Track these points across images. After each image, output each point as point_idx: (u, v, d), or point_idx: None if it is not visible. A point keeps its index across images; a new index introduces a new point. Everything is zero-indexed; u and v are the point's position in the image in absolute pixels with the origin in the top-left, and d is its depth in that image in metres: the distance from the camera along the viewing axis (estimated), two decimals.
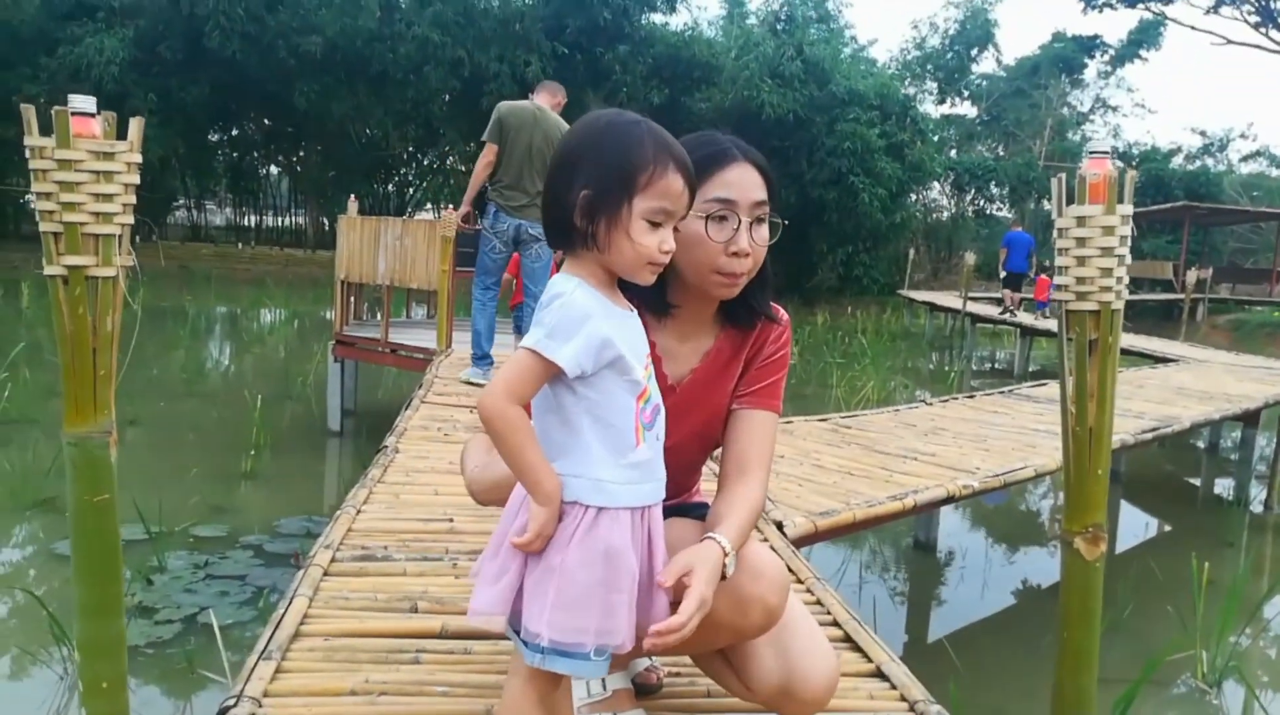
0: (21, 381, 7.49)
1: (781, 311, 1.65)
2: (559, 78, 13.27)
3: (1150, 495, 7.76)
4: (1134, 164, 32.02)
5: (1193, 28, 34.88)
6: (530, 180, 5.03)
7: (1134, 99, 54.57)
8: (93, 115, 1.43)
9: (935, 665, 3.77)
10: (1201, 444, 9.17)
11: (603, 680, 1.69)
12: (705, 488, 1.85)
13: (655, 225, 1.27)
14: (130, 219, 1.50)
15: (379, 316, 7.96)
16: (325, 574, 2.31)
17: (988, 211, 33.23)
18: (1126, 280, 1.83)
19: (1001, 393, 6.93)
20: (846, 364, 11.81)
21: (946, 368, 14.93)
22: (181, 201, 29.48)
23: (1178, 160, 35.47)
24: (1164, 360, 10.05)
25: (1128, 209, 1.77)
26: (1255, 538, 6.43)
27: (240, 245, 27.61)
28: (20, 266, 19.20)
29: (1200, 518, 7.15)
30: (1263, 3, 29.62)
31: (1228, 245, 33.39)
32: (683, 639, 1.29)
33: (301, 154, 28.07)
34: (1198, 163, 36.08)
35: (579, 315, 1.24)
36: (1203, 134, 38.62)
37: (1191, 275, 20.08)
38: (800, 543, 3.18)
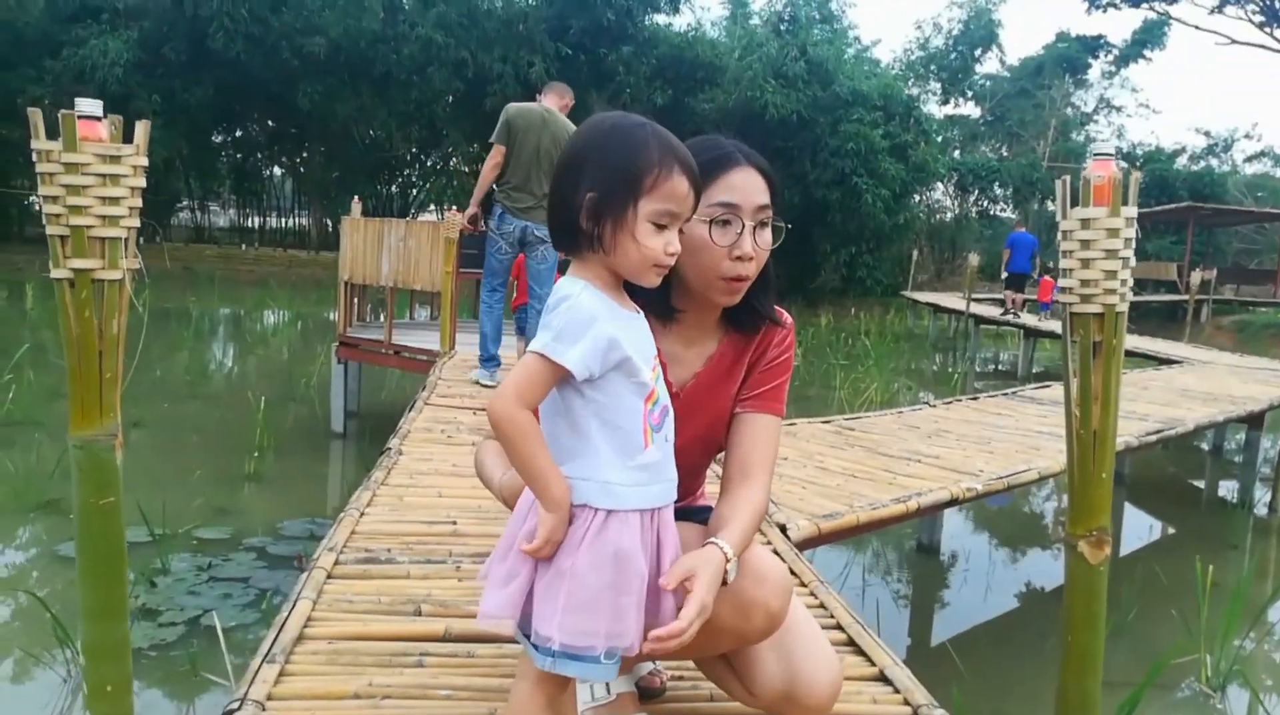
0: (26, 383, 7.51)
1: (785, 314, 1.65)
2: (562, 78, 13.25)
3: (1154, 497, 7.74)
4: (1138, 164, 31.97)
5: (1197, 27, 34.75)
6: (537, 182, 5.04)
7: (1138, 99, 54.67)
8: (99, 119, 1.44)
9: (939, 669, 3.77)
10: (1206, 446, 9.15)
11: (606, 684, 1.69)
12: (709, 491, 1.85)
13: (660, 227, 1.27)
14: (136, 222, 1.50)
15: (382, 318, 7.97)
16: (329, 576, 2.31)
17: (991, 212, 33.17)
18: (1131, 283, 1.82)
19: (1005, 395, 6.92)
20: (850, 365, 11.80)
21: (950, 369, 14.91)
22: (185, 203, 29.53)
23: (1182, 161, 35.40)
24: (1168, 362, 10.03)
25: (1132, 212, 1.77)
26: (1259, 540, 6.41)
27: (244, 246, 27.64)
28: (24, 268, 19.23)
29: (1204, 520, 7.14)
30: (1267, 2, 29.56)
31: (1232, 246, 33.28)
32: (683, 644, 1.29)
33: (305, 155, 28.09)
34: (1202, 163, 36.00)
35: (586, 317, 1.24)
36: (1207, 134, 38.54)
37: (1196, 276, 20.02)
38: (803, 545, 3.18)
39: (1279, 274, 26.11)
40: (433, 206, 29.08)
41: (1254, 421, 7.35)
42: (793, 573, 2.59)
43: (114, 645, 1.61)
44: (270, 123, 27.32)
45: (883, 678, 1.97)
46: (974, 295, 17.15)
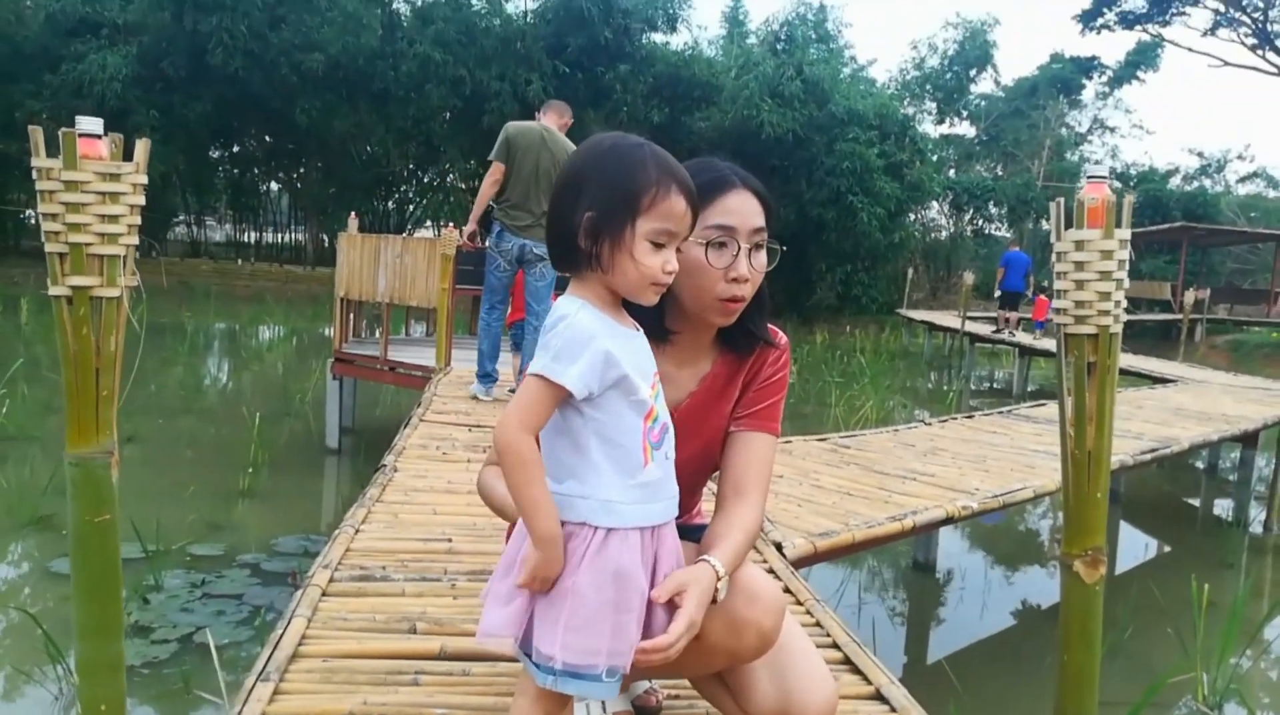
0: (20, 398, 7.49)
1: (780, 334, 1.66)
2: (560, 96, 13.30)
3: (1149, 516, 7.74)
4: (1132, 185, 32.18)
5: (1190, 50, 35.03)
6: (536, 200, 5.07)
7: (1132, 120, 54.98)
8: (99, 137, 1.44)
9: (935, 687, 3.76)
10: (1200, 465, 9.17)
11: (603, 702, 1.68)
12: (706, 508, 1.85)
13: (658, 246, 1.28)
14: (135, 240, 1.51)
15: (378, 334, 7.96)
16: (324, 594, 2.31)
17: (986, 231, 33.29)
18: (1125, 303, 1.83)
19: (1000, 413, 6.93)
20: (845, 383, 11.81)
21: (945, 387, 14.93)
22: (181, 217, 29.53)
23: (1175, 181, 35.60)
24: (1162, 381, 10.05)
25: (1126, 233, 1.78)
26: (1255, 559, 6.42)
27: (240, 262, 27.64)
28: (20, 282, 19.21)
29: (1200, 539, 7.14)
30: (1259, 25, 29.83)
31: (1226, 266, 33.43)
32: (668, 659, 1.30)
33: (302, 171, 28.15)
34: (1195, 183, 36.21)
35: (584, 337, 1.25)
36: (1200, 155, 38.73)
37: (1189, 296, 20.10)
38: (799, 564, 3.18)
39: (1272, 294, 26.20)
40: (429, 223, 29.13)
41: (1248, 440, 7.37)
42: (789, 591, 2.59)
43: (108, 663, 1.60)
44: (268, 138, 27.40)
45: (879, 696, 1.96)
46: (969, 313, 17.19)
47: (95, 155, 1.43)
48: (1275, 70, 30.47)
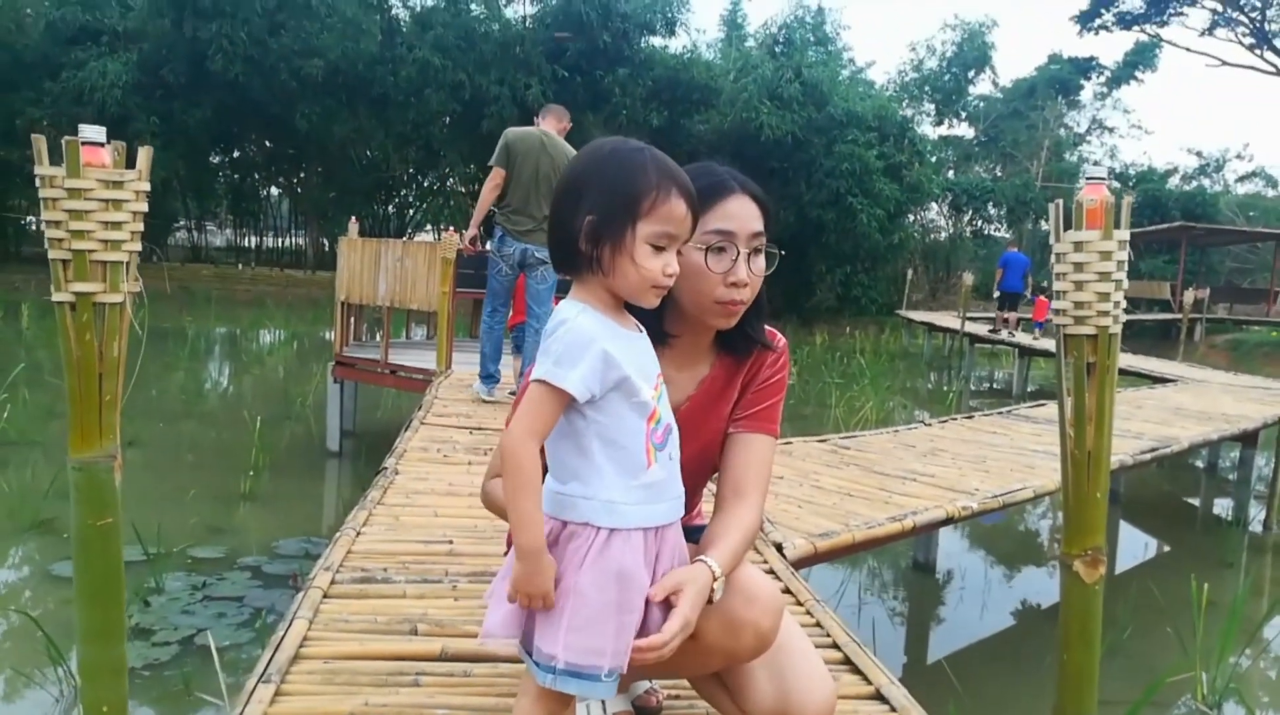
0: (21, 402, 7.50)
1: (779, 336, 1.67)
2: (559, 100, 13.28)
3: (1149, 516, 7.75)
4: (1131, 185, 32.20)
5: (1188, 50, 35.17)
6: (536, 205, 5.12)
7: (1130, 120, 54.88)
8: (102, 145, 1.45)
9: (935, 687, 3.76)
10: (1200, 464, 9.17)
11: (603, 703, 1.69)
12: (706, 510, 1.86)
13: (659, 249, 1.29)
14: (138, 246, 1.52)
15: (379, 337, 7.97)
16: (325, 596, 2.32)
17: (985, 232, 33.31)
18: (1124, 303, 1.84)
19: (1000, 413, 6.94)
20: (845, 384, 11.82)
21: (945, 388, 14.94)
22: (182, 223, 29.55)
23: (1174, 181, 35.62)
24: (1162, 380, 10.06)
25: (1125, 234, 1.79)
26: (1255, 558, 6.42)
27: (240, 266, 27.66)
28: (21, 288, 19.23)
29: (1199, 538, 7.14)
30: (1257, 25, 29.86)
31: (1225, 265, 33.45)
32: (661, 658, 1.31)
33: (302, 175, 28.18)
34: (1194, 183, 36.24)
35: (584, 340, 1.26)
36: (1199, 155, 38.78)
37: (1189, 295, 20.12)
38: (799, 564, 3.18)
39: (1271, 293, 26.21)
40: (429, 227, 29.17)
41: (1248, 440, 7.37)
42: (789, 591, 2.60)
43: (110, 666, 1.61)
44: (268, 143, 27.43)
45: (879, 696, 1.97)
46: (968, 314, 17.20)
47: (98, 163, 1.44)
48: (1273, 69, 30.50)
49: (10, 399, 7.21)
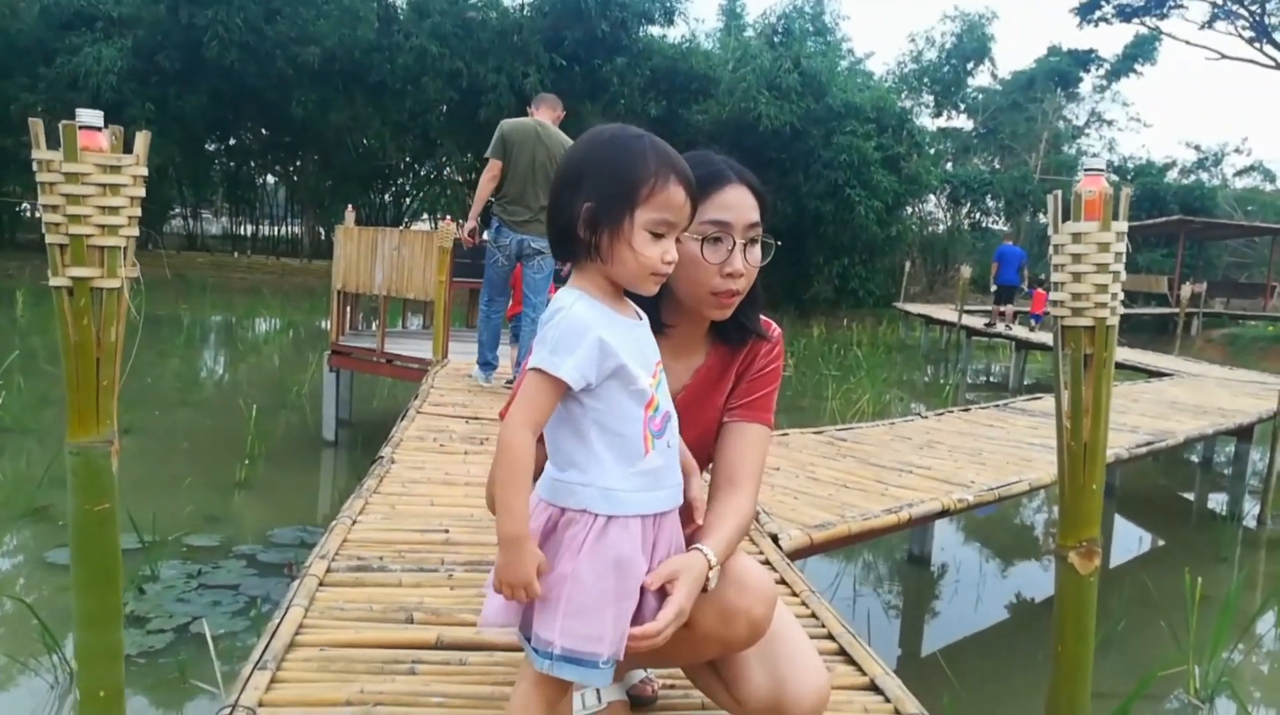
0: (16, 390, 7.49)
1: (773, 326, 1.67)
2: (557, 89, 13.22)
3: (1144, 509, 7.77)
4: (1129, 178, 32.18)
5: (1187, 43, 35.02)
6: (533, 195, 5.15)
7: (1129, 113, 54.90)
8: (100, 129, 1.45)
9: (929, 679, 3.77)
10: (1195, 458, 9.20)
11: (598, 692, 1.69)
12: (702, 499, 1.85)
13: (658, 236, 1.29)
14: (135, 231, 1.51)
15: (375, 326, 7.96)
16: (321, 584, 2.32)
17: (983, 224, 33.30)
18: (1121, 296, 1.84)
19: (996, 406, 6.95)
20: (842, 376, 11.83)
21: (942, 381, 14.95)
22: (177, 210, 29.44)
23: (1173, 174, 35.61)
24: (1158, 374, 10.08)
25: (1123, 226, 1.79)
26: (1248, 553, 6.44)
27: (236, 254, 27.59)
28: (15, 275, 19.16)
29: (1194, 532, 7.16)
30: (1257, 18, 29.84)
31: (1222, 259, 33.47)
32: (655, 646, 1.31)
33: (298, 163, 28.09)
34: (1192, 177, 36.23)
35: (580, 328, 1.26)
36: (1197, 148, 38.81)
37: (1186, 289, 20.13)
38: (795, 555, 3.19)
39: (1268, 287, 26.24)
40: (426, 216, 29.09)
41: (1243, 434, 7.39)
42: (784, 582, 2.60)
43: (107, 651, 1.61)
44: (264, 131, 27.34)
45: (874, 687, 1.98)
46: (966, 307, 17.21)
47: (95, 147, 1.43)
48: (1273, 63, 30.50)
49: (5, 386, 7.20)
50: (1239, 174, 38.82)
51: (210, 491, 5.77)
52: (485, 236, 5.47)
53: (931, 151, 28.85)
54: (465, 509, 3.12)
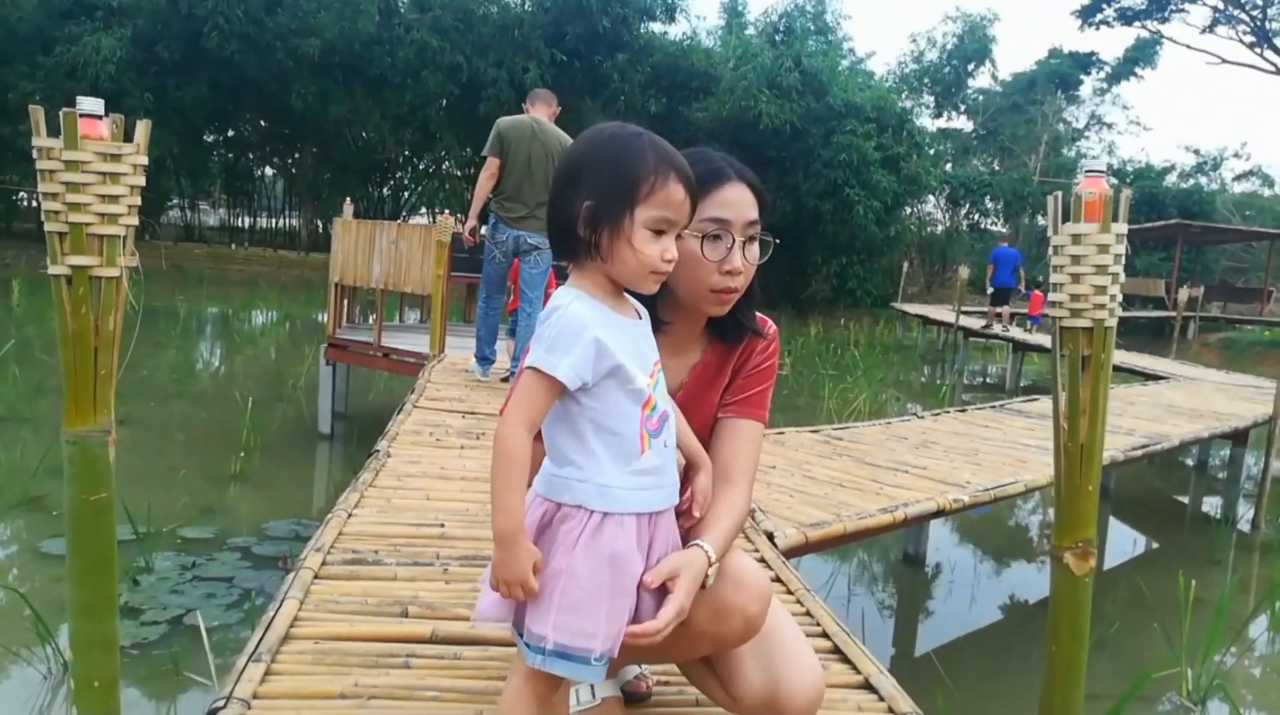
0: (11, 379, 7.47)
1: (769, 323, 1.68)
2: (557, 85, 13.21)
3: (1139, 512, 7.78)
4: (1128, 181, 32.21)
5: (1189, 47, 35.29)
6: (529, 192, 5.19)
7: (1129, 116, 54.86)
8: (100, 117, 1.44)
9: (923, 679, 3.78)
10: (1190, 462, 9.21)
11: (592, 688, 1.69)
12: None
13: (658, 234, 1.29)
14: (135, 220, 1.51)
15: (372, 320, 7.95)
16: (316, 577, 2.31)
17: (982, 225, 33.33)
18: (1120, 298, 1.84)
19: (993, 407, 6.96)
20: (839, 376, 11.84)
21: (938, 381, 14.97)
22: (175, 201, 29.41)
23: (1171, 178, 35.64)
24: (1154, 377, 10.09)
25: (1122, 228, 1.79)
26: (1242, 556, 6.45)
27: (233, 246, 27.55)
28: (11, 263, 19.12)
29: (1188, 535, 7.18)
30: (1258, 23, 29.87)
31: (1220, 264, 33.51)
32: (653, 643, 1.31)
33: (297, 156, 28.04)
34: (1191, 181, 36.26)
35: (576, 327, 1.26)
36: (1197, 152, 38.74)
37: (1183, 293, 20.17)
38: (790, 554, 3.19)
39: (1265, 292, 26.29)
40: (424, 209, 29.05)
41: (1238, 438, 7.41)
42: (779, 580, 2.60)
43: (102, 641, 1.61)
44: (263, 123, 27.28)
45: (868, 685, 1.98)
46: (963, 308, 17.23)
47: (96, 135, 1.43)
48: (1273, 69, 30.53)
49: (0, 375, 7.18)
50: (1238, 179, 38.91)
51: (205, 483, 5.76)
52: (484, 232, 5.48)
53: (931, 152, 28.85)
54: (461, 503, 3.11)
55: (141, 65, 22.02)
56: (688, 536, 1.45)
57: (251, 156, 29.32)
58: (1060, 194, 1.84)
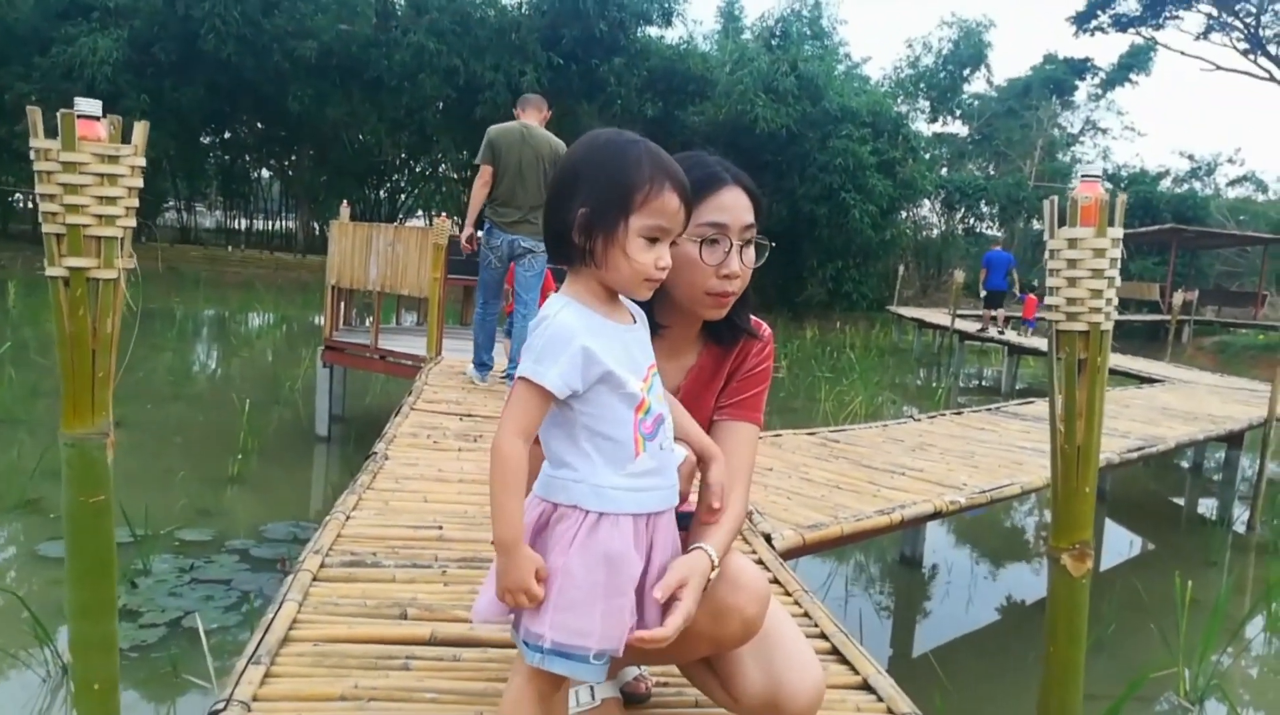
0: (7, 381, 7.46)
1: (764, 326, 1.69)
2: (554, 88, 13.21)
3: (1135, 514, 7.80)
4: (1123, 186, 32.27)
5: (1183, 53, 35.25)
6: (522, 196, 5.26)
7: (1124, 122, 54.81)
8: (98, 119, 1.44)
9: (921, 680, 3.78)
10: (1186, 464, 9.23)
11: (591, 689, 1.70)
12: (692, 498, 1.86)
13: (652, 242, 1.29)
14: (132, 222, 1.51)
15: (369, 322, 7.95)
16: (314, 579, 2.31)
17: (977, 229, 33.38)
18: (1116, 302, 1.85)
19: (989, 410, 6.97)
20: (835, 379, 11.84)
21: (934, 384, 14.99)
22: (171, 203, 29.34)
23: (1166, 183, 35.72)
24: (1150, 381, 10.11)
25: (1118, 232, 1.80)
26: (1238, 558, 6.47)
27: (230, 248, 27.49)
28: (7, 265, 19.08)
29: (1184, 537, 7.19)
30: (1251, 30, 29.96)
31: (1214, 268, 33.59)
32: (659, 648, 1.32)
33: (294, 158, 28.01)
34: (1185, 186, 36.34)
35: (565, 336, 1.27)
36: (1191, 158, 38.96)
37: (1178, 297, 20.23)
38: (788, 555, 3.20)
39: (1259, 296, 26.36)
40: (421, 212, 29.05)
41: (1233, 440, 7.43)
42: (777, 582, 2.61)
43: (101, 643, 1.61)
44: (259, 125, 27.23)
45: (866, 686, 1.98)
46: (959, 311, 17.26)
47: (94, 137, 1.43)
48: (1266, 75, 30.62)
49: None
50: (1232, 184, 39.07)
51: (203, 486, 5.75)
52: (480, 240, 5.52)
53: (927, 157, 28.92)
54: (458, 505, 3.12)
55: (138, 67, 21.99)
56: (689, 538, 1.45)
57: (248, 158, 29.28)
58: (1057, 198, 1.85)
